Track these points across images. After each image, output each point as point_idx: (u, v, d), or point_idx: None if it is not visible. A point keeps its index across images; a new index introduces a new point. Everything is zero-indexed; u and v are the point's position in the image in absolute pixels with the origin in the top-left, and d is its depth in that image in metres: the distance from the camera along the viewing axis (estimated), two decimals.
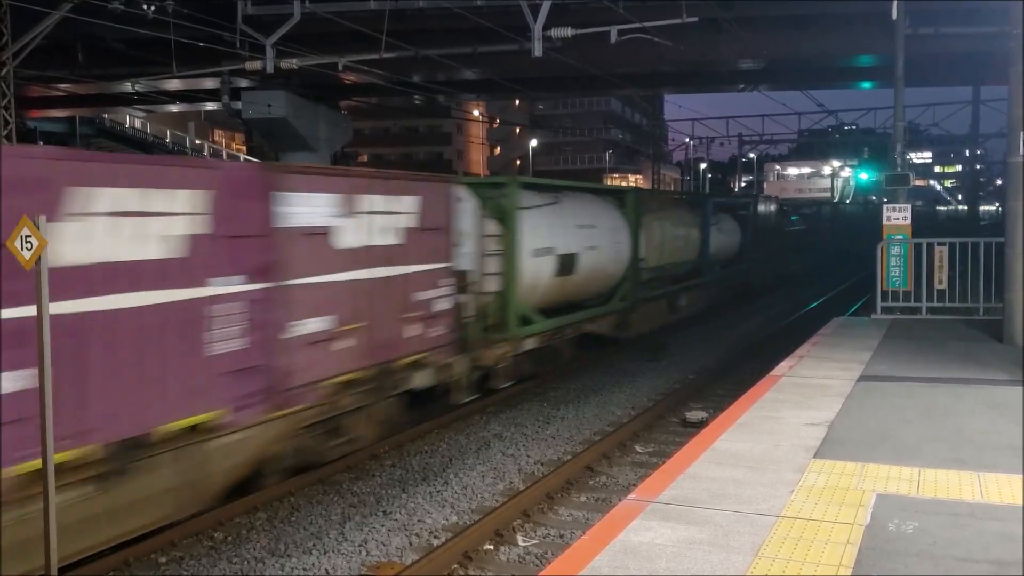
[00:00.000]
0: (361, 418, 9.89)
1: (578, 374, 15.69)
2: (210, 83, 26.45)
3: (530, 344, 13.68)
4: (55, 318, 5.70)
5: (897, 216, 15.26)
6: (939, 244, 14.61)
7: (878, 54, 23.56)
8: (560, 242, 14.37)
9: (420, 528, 8.36)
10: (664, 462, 6.62)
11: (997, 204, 74.85)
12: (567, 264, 14.56)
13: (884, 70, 24.17)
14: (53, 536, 5.58)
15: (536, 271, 13.60)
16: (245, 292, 7.89)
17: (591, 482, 9.84)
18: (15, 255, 5.52)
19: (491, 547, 7.84)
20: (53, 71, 24.66)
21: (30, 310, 5.64)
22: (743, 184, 71.89)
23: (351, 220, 9.44)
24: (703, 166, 73.76)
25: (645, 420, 12.26)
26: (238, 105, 26.81)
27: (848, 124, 65.39)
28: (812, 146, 74.57)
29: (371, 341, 9.73)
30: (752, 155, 74.32)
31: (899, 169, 16.50)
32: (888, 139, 32.87)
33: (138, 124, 47.14)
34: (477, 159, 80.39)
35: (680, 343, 19.09)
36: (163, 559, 7.71)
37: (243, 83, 26.28)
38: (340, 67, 20.74)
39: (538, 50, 17.99)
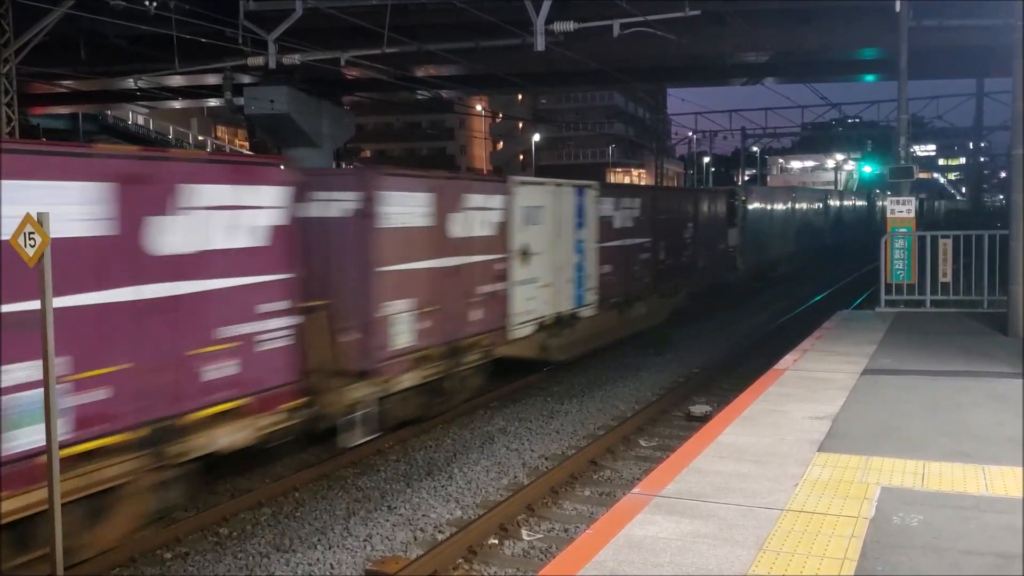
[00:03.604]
0: None
1: (582, 368, 15.68)
2: (212, 79, 26.39)
3: None
4: None
5: (901, 209, 15.23)
6: (943, 237, 14.57)
7: (882, 47, 23.47)
8: None
9: (425, 523, 8.38)
10: (668, 456, 6.62)
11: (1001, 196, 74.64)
12: None
13: (888, 63, 24.08)
14: (58, 534, 5.59)
15: None
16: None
17: (595, 476, 9.84)
18: (18, 251, 5.52)
19: (495, 541, 7.85)
20: (56, 67, 24.65)
21: None
22: (746, 178, 71.79)
23: None
24: (706, 160, 73.61)
25: (649, 414, 12.26)
26: (240, 101, 26.77)
27: (852, 117, 65.11)
28: (816, 140, 74.38)
29: None
30: (755, 149, 74.23)
31: (903, 162, 16.46)
32: (892, 132, 32.82)
33: (141, 120, 47.20)
34: (480, 154, 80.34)
35: (684, 337, 19.07)
36: (168, 555, 7.73)
37: (245, 79, 26.24)
38: (342, 62, 20.70)
39: (541, 44, 17.96)
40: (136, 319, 7.16)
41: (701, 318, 21.60)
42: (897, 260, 14.78)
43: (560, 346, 14.67)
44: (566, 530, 8.17)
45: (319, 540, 7.98)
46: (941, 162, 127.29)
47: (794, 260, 33.10)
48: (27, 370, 6.24)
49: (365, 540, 7.95)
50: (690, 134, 64.27)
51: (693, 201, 22.21)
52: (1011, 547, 4.59)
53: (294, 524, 8.43)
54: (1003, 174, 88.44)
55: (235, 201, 8.15)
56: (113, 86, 29.82)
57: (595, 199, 16.16)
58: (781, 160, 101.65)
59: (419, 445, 11.05)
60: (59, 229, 6.14)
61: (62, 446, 6.04)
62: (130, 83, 27.23)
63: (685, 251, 21.19)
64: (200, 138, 52.69)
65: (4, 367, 6.17)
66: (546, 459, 10.47)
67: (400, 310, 10.54)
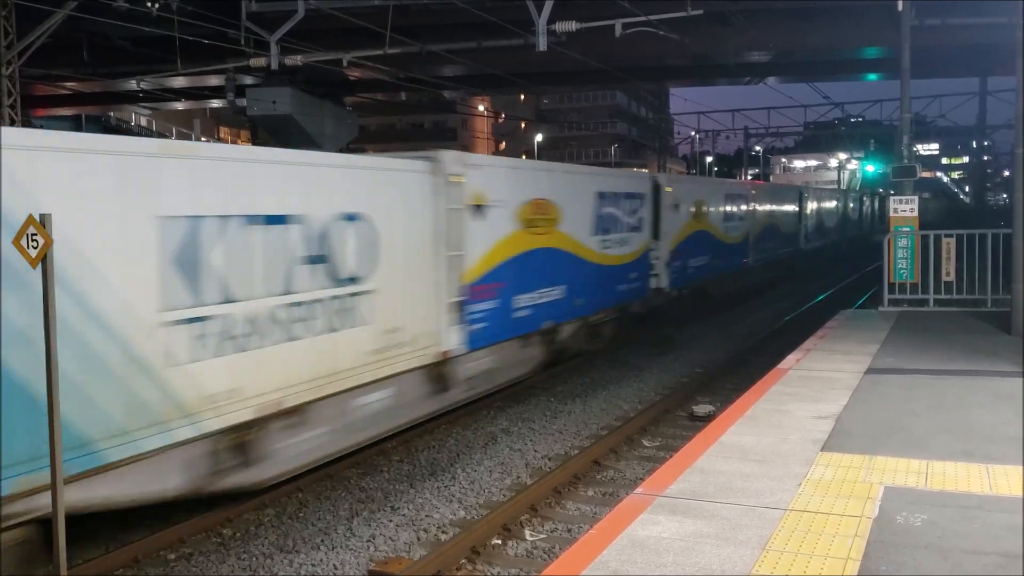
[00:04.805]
0: None
1: (585, 368, 15.68)
2: (215, 80, 26.46)
3: None
4: None
5: (904, 208, 15.22)
6: (946, 236, 14.56)
7: (884, 46, 23.46)
8: None
9: (428, 523, 8.38)
10: (671, 456, 6.61)
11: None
12: None
13: (890, 62, 24.06)
14: (62, 536, 5.60)
15: None
16: None
17: (598, 476, 9.84)
18: (21, 253, 5.53)
19: (499, 542, 7.85)
20: (58, 69, 24.68)
21: None
22: (749, 177, 71.81)
23: None
24: (709, 159, 73.67)
25: (652, 414, 12.25)
26: (243, 102, 26.78)
27: (854, 116, 65.03)
28: (818, 139, 74.28)
29: None
30: (758, 148, 74.22)
31: (906, 161, 16.44)
32: (895, 131, 32.79)
33: (143, 122, 47.27)
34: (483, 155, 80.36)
35: (687, 337, 19.06)
36: (172, 556, 7.74)
37: (248, 80, 26.26)
38: (345, 63, 20.71)
39: (543, 44, 17.94)
40: None
41: (700, 318, 21.58)
42: (900, 259, 14.77)
43: None
44: (569, 530, 8.16)
45: (322, 541, 7.98)
46: (944, 161, 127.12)
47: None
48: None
49: (368, 540, 7.96)
50: (693, 133, 64.33)
51: None
52: (1015, 547, 4.59)
53: (297, 525, 8.43)
54: (1007, 173, 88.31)
55: None
56: (116, 88, 29.88)
57: None
58: (784, 159, 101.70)
59: (422, 445, 11.05)
60: None
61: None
62: (133, 84, 27.27)
63: None
64: (203, 139, 52.77)
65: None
66: (549, 459, 10.47)
67: None
